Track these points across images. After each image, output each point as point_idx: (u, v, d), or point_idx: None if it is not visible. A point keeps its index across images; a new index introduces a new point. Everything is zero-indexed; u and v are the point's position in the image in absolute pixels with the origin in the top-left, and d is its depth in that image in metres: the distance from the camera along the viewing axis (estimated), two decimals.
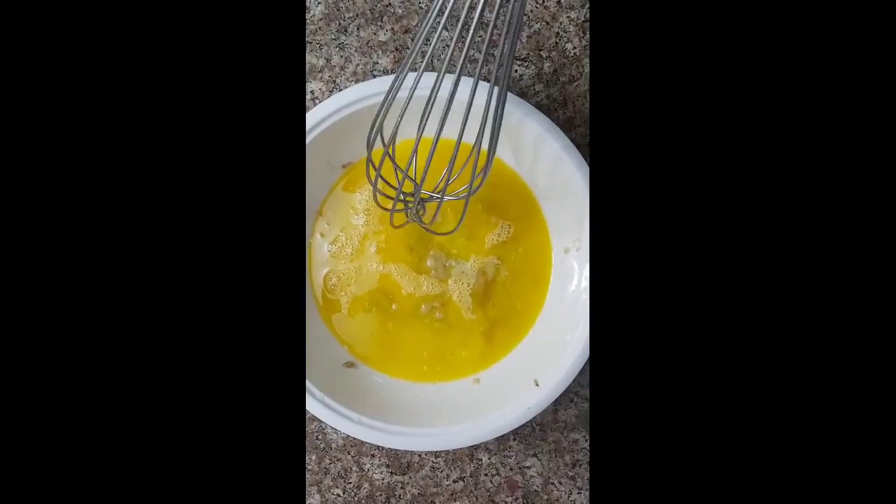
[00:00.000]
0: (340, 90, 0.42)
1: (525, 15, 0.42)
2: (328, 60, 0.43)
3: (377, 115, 0.34)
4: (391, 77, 0.39)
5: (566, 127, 0.40)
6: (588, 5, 0.42)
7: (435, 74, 0.32)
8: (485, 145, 0.34)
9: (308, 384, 0.38)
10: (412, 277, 0.41)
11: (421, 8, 0.43)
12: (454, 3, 0.29)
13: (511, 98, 0.38)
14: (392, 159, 0.34)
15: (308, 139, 0.38)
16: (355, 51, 0.43)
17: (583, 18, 0.42)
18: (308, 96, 0.43)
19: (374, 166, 0.35)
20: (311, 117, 0.38)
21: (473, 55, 0.42)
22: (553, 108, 0.42)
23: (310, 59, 0.43)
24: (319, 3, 0.43)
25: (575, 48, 0.43)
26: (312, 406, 0.39)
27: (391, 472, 0.43)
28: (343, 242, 0.41)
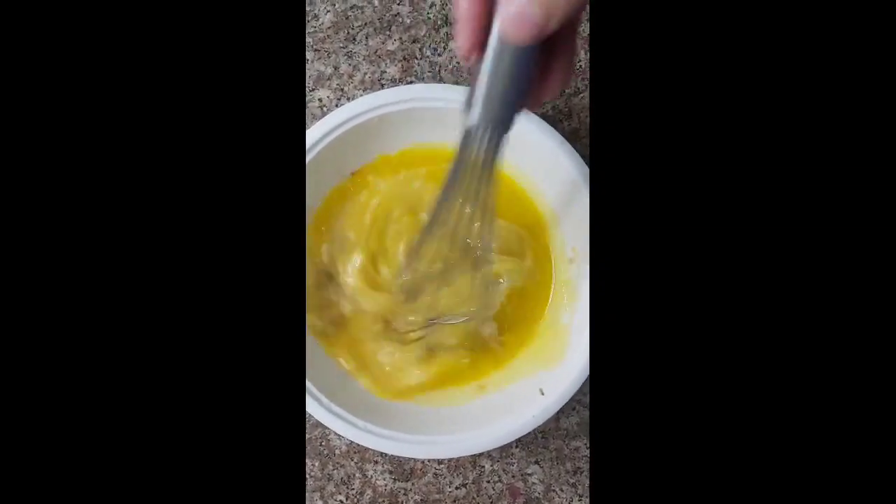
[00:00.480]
0: (349, 98, 0.43)
1: None
2: (336, 69, 0.43)
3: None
4: (400, 87, 0.39)
5: (571, 138, 0.40)
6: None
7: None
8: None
9: (313, 390, 0.39)
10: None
11: (429, 18, 0.43)
12: None
13: None
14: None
15: (318, 148, 0.38)
16: (363, 59, 0.43)
17: (588, 33, 0.43)
18: (316, 104, 0.43)
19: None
20: (321, 126, 0.39)
21: None
22: (559, 120, 0.43)
23: (318, 66, 0.43)
24: (328, 11, 0.43)
25: (580, 61, 0.43)
26: (317, 411, 0.39)
27: (394, 479, 0.43)
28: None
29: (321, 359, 0.41)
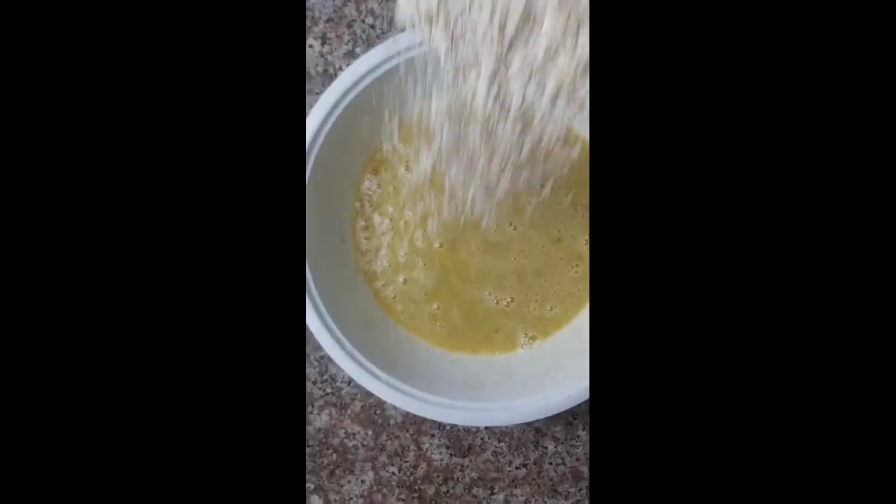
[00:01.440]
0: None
1: None
2: None
3: None
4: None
5: None
6: None
7: None
8: None
9: (361, 358, 0.36)
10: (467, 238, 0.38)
11: None
12: None
13: None
14: None
15: (347, 100, 0.35)
16: None
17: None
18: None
19: None
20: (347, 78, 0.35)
21: None
22: None
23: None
24: None
25: None
26: (366, 381, 0.36)
27: (451, 454, 0.41)
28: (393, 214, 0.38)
29: (372, 322, 0.38)
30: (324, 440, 0.41)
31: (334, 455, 0.41)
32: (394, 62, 0.34)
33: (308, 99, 0.39)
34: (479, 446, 0.41)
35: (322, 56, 0.38)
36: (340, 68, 0.38)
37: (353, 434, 0.41)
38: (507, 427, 0.40)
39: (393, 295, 0.39)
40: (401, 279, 0.38)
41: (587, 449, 0.40)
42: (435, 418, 0.35)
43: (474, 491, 0.41)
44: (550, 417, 0.39)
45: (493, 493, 0.41)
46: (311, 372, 0.40)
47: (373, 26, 0.38)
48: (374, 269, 0.39)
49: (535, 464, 0.40)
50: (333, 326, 0.35)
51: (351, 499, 0.41)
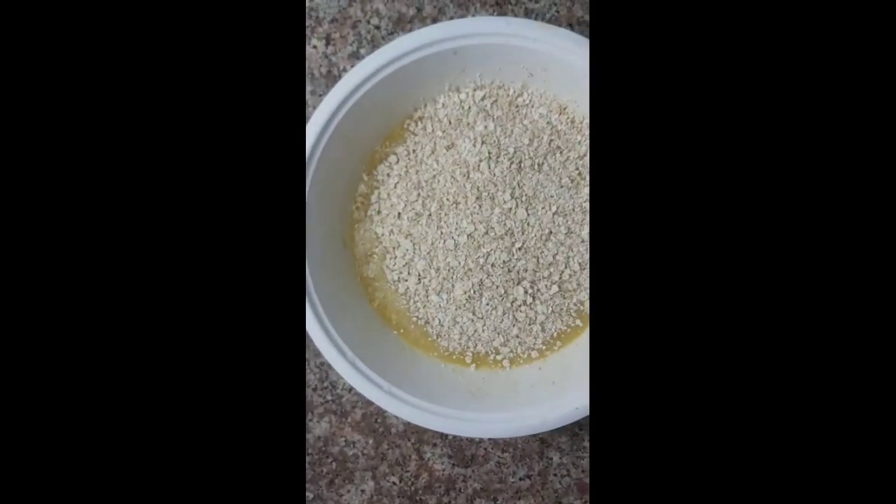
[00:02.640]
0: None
1: None
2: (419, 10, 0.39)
3: None
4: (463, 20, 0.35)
5: None
6: None
7: None
8: None
9: (362, 366, 0.35)
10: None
11: None
12: None
13: None
14: None
15: (351, 101, 0.34)
16: None
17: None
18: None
19: None
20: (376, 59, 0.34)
21: None
22: None
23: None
24: None
25: None
26: (367, 390, 0.35)
27: (453, 464, 0.40)
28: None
29: (372, 329, 0.37)
30: (323, 448, 0.40)
31: (334, 464, 0.40)
32: (398, 64, 0.34)
33: (312, 100, 0.38)
34: (483, 456, 0.40)
35: (326, 57, 0.38)
36: (345, 69, 0.38)
37: (354, 442, 0.40)
38: (511, 437, 0.40)
39: (394, 303, 0.38)
40: (403, 287, 0.38)
41: None
42: (437, 429, 0.35)
43: (476, 502, 0.40)
44: (556, 428, 0.38)
45: None
46: (311, 379, 0.40)
47: (378, 27, 0.38)
48: (376, 276, 0.38)
49: (539, 475, 0.40)
50: (334, 334, 0.34)
51: None
